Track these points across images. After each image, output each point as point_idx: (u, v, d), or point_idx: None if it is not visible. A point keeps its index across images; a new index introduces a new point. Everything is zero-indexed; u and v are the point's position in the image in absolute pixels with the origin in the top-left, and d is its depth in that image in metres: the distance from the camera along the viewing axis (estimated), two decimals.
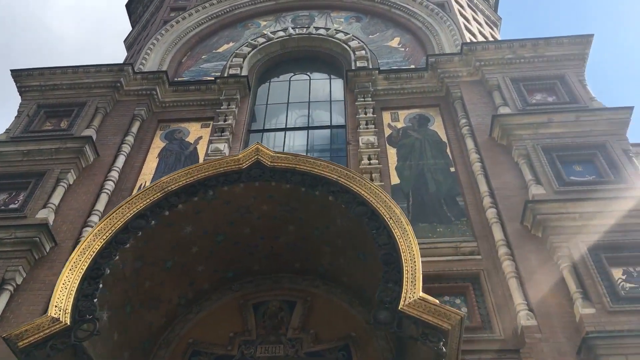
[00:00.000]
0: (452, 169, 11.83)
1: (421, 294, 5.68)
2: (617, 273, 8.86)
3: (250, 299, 8.39)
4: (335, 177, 7.23)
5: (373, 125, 12.64)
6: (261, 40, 16.21)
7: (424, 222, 10.80)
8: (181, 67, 16.04)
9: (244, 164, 7.66)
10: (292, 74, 15.83)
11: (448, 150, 12.34)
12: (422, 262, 9.71)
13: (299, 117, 14.30)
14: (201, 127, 13.51)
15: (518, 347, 8.27)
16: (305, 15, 17.89)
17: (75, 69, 14.16)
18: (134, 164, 12.43)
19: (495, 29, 19.44)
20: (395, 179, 11.81)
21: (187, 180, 7.45)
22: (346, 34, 16.16)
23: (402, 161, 12.25)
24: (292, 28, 16.62)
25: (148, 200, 7.18)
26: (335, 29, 16.78)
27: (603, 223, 9.35)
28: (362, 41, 15.95)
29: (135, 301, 7.28)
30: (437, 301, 5.85)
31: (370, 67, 14.40)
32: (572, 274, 8.78)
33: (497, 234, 9.94)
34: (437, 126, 13.09)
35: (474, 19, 18.40)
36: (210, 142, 12.72)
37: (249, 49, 15.83)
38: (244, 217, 7.94)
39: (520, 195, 10.30)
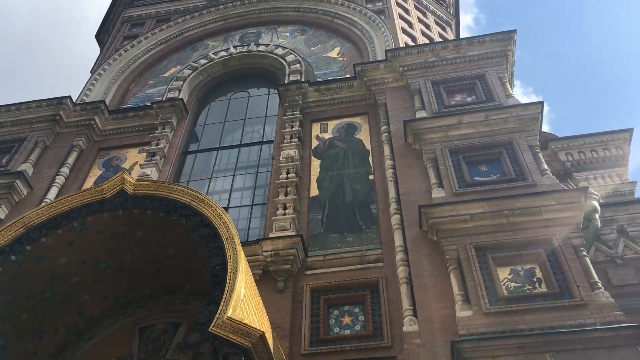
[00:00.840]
0: (371, 177, 11.94)
1: (230, 313, 5.84)
2: (504, 273, 8.87)
3: (139, 323, 8.66)
4: (188, 200, 7.47)
5: (297, 139, 12.82)
6: (203, 61, 16.54)
7: (335, 233, 10.94)
8: (128, 94, 16.49)
9: (107, 194, 7.97)
10: (233, 92, 16.13)
11: (370, 158, 12.44)
12: (327, 272, 10.01)
13: (235, 135, 14.56)
14: (138, 153, 13.89)
15: (398, 353, 8.36)
16: (253, 32, 18.21)
17: (18, 105, 14.72)
18: None
19: (448, 28, 19.41)
20: (314, 191, 11.97)
21: (51, 214, 7.79)
22: (284, 48, 16.40)
23: (324, 172, 12.41)
24: (233, 47, 16.93)
25: (9, 237, 7.54)
26: (278, 44, 17.02)
27: (494, 223, 9.38)
28: (299, 54, 16.15)
29: (12, 334, 7.61)
30: (244, 320, 5.98)
31: (303, 80, 14.59)
32: (457, 276, 8.83)
33: (398, 240, 10.03)
34: (363, 134, 13.20)
35: (421, 21, 18.44)
36: (140, 167, 13.08)
37: (190, 71, 16.18)
38: (121, 244, 8.22)
39: (424, 200, 10.35)
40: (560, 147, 26.52)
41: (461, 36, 23.42)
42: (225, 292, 6.06)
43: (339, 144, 13.09)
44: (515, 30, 13.57)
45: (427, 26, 18.43)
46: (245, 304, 6.22)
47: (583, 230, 12.47)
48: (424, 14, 19.09)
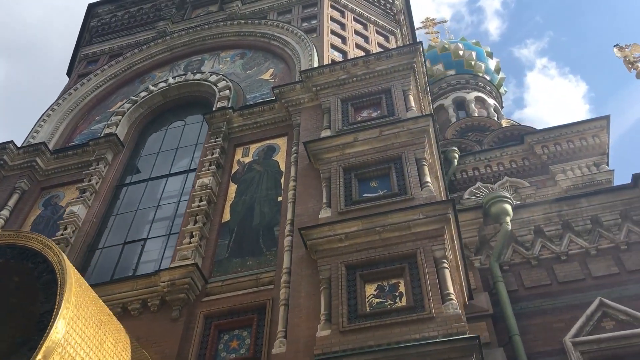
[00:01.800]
0: (280, 199, 12.35)
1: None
2: (370, 289, 9.19)
3: None
4: (40, 247, 8.03)
5: (214, 166, 13.31)
6: (143, 94, 17.18)
7: (238, 257, 11.40)
8: (76, 131, 17.25)
9: None
10: (172, 122, 16.73)
11: (282, 179, 12.85)
12: (223, 297, 10.44)
13: (167, 165, 15.13)
14: (76, 190, 14.58)
15: None
16: (198, 59, 18.80)
17: None
18: None
19: (391, 37, 19.63)
20: (227, 216, 12.45)
21: None
22: (218, 75, 16.92)
23: (239, 196, 12.88)
24: (172, 77, 17.54)
25: None
26: (215, 71, 17.54)
27: (367, 240, 9.69)
28: (232, 79, 16.64)
29: None
30: None
31: (230, 105, 15.07)
32: (326, 296, 9.18)
33: (286, 261, 10.43)
34: (280, 156, 13.62)
35: (359, 33, 18.73)
36: (69, 204, 13.77)
37: (130, 104, 16.84)
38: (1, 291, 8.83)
39: (314, 221, 10.70)
40: (536, 141, 26.62)
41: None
42: (43, 337, 6.56)
43: (256, 167, 13.55)
44: (420, 43, 13.84)
45: (366, 38, 18.72)
46: (70, 348, 6.70)
47: (496, 235, 12.74)
48: (365, 26, 19.38)
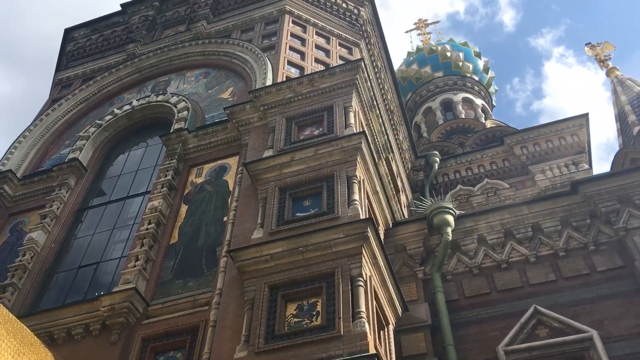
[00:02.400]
0: (225, 219, 12.70)
1: None
2: (291, 309, 9.49)
3: None
4: None
5: (166, 188, 13.69)
6: (108, 117, 17.65)
7: (181, 279, 11.76)
8: (46, 156, 17.78)
9: None
10: (136, 144, 17.17)
11: (229, 199, 13.19)
12: (162, 319, 10.83)
13: (127, 187, 15.56)
14: (38, 215, 15.07)
15: None
16: (165, 80, 19.21)
17: None
18: None
19: (355, 49, 19.86)
20: (175, 238, 12.82)
21: None
22: (179, 95, 17.30)
23: (188, 217, 13.25)
24: (137, 100, 17.98)
25: None
26: (178, 92, 17.90)
27: (291, 260, 9.99)
28: (192, 100, 17.01)
29: None
30: None
31: (185, 127, 15.45)
32: (249, 317, 9.50)
33: (219, 282, 10.77)
34: (230, 175, 13.96)
35: (320, 47, 18.96)
36: (30, 230, 14.27)
37: (95, 128, 17.31)
38: None
39: (248, 242, 11.03)
40: (515, 142, 26.76)
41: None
42: None
43: (207, 187, 13.92)
44: (361, 59, 14.10)
45: (327, 52, 18.98)
46: None
47: (439, 246, 12.92)
48: (327, 39, 19.64)
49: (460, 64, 37.04)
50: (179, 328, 10.53)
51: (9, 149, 17.80)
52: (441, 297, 11.96)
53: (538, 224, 12.70)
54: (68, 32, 23.49)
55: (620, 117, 21.12)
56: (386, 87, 23.36)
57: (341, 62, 18.81)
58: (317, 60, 18.25)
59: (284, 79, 16.17)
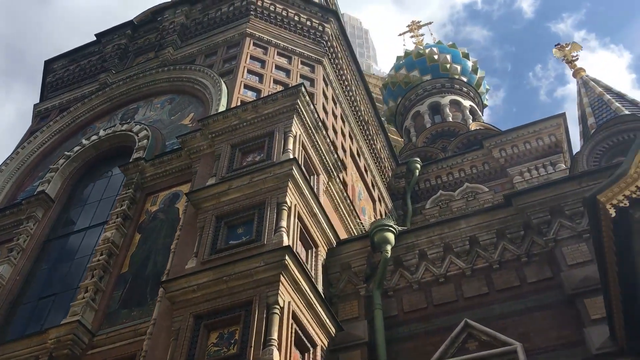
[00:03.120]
0: (172, 247, 13.19)
1: None
2: (213, 337, 9.94)
3: None
4: None
5: (120, 219, 14.25)
6: (77, 148, 18.32)
7: (126, 308, 12.29)
8: (20, 189, 18.53)
9: None
10: (102, 173, 17.80)
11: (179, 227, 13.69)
12: (105, 349, 11.36)
13: (89, 217, 16.18)
14: (5, 249, 15.77)
15: None
16: (134, 108, 19.84)
17: None
18: None
19: (318, 66, 20.20)
20: (125, 267, 13.38)
21: None
22: (142, 124, 17.88)
23: (140, 246, 13.80)
24: (103, 130, 18.64)
25: None
26: (141, 120, 18.49)
27: (216, 290, 10.44)
28: (155, 127, 17.59)
29: None
30: None
31: (144, 156, 16.01)
32: (172, 348, 9.97)
33: (155, 312, 11.27)
34: (181, 203, 14.42)
35: (281, 68, 19.34)
36: None
37: (63, 160, 17.99)
38: None
39: (182, 272, 11.51)
40: (494, 144, 26.93)
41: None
42: None
43: (160, 215, 14.44)
44: (302, 84, 14.51)
45: (288, 72, 19.36)
46: None
47: (379, 264, 13.22)
48: (289, 59, 20.02)
49: (448, 66, 37.15)
50: (119, 358, 11.05)
51: None
52: (379, 314, 12.28)
53: (475, 237, 12.95)
54: (48, 63, 24.33)
55: (582, 120, 21.15)
56: (358, 99, 23.76)
57: (302, 80, 19.25)
58: (275, 81, 18.69)
59: (239, 104, 16.65)
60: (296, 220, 11.94)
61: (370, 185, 22.79)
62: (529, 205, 12.52)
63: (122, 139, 18.09)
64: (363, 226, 17.82)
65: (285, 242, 10.88)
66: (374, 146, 24.92)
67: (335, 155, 15.66)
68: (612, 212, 7.91)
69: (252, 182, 12.43)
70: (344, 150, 20.20)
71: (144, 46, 22.66)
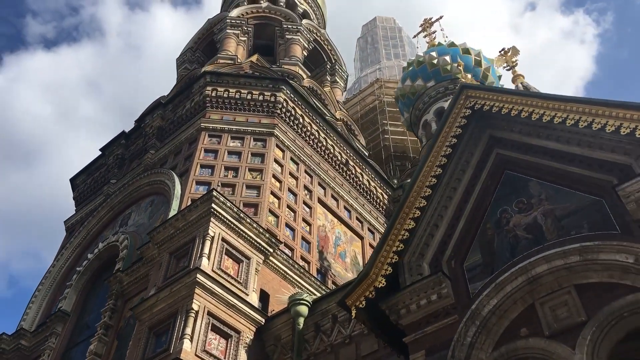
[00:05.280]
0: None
1: None
2: None
3: None
4: None
5: (103, 329, 17.53)
6: (85, 262, 22.00)
7: None
8: (53, 304, 22.55)
9: None
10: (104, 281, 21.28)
11: None
12: None
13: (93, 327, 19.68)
14: None
15: None
16: (128, 213, 23.18)
17: None
18: None
19: (269, 138, 22.45)
20: None
21: None
22: (124, 233, 21.15)
23: (115, 353, 16.96)
24: (101, 242, 22.16)
25: None
26: (136, 222, 21.87)
27: None
28: (138, 233, 20.81)
29: None
30: None
31: (121, 268, 19.23)
32: None
33: None
34: None
35: (233, 152, 21.72)
36: None
37: (76, 275, 21.69)
38: None
39: None
40: None
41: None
42: None
43: (131, 321, 17.52)
44: (213, 190, 16.97)
45: (239, 154, 21.11)
46: None
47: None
48: (242, 140, 22.03)
49: (449, 67, 37.47)
50: None
51: (27, 304, 22.82)
52: None
53: None
54: (72, 180, 28.57)
55: None
56: (329, 144, 25.71)
57: (253, 158, 21.73)
58: (226, 168, 21.26)
59: (189, 203, 19.41)
60: (204, 321, 14.37)
61: (354, 223, 24.64)
62: None
63: (113, 249, 21.46)
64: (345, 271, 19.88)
65: (187, 348, 13.39)
66: (359, 182, 26.73)
67: (267, 235, 17.86)
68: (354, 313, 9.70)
69: (171, 293, 15.10)
70: (309, 207, 22.28)
71: (135, 152, 26.12)
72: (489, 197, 10.72)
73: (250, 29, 33.89)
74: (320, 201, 23.23)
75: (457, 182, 11.27)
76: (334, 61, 37.01)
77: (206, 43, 35.08)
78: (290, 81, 25.90)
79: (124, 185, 24.09)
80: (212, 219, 16.64)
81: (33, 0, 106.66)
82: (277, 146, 22.75)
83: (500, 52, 23.92)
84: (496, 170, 10.88)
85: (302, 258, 20.11)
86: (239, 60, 29.67)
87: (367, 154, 31.12)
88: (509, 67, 23.12)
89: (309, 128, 24.98)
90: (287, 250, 19.40)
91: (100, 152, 27.67)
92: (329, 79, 36.09)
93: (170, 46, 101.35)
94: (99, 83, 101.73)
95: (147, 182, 23.04)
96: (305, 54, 34.12)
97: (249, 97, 24.24)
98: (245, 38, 33.33)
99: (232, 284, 15.62)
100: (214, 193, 16.86)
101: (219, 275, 15.44)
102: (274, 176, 21.52)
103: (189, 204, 19.22)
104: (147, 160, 24.16)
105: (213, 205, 16.75)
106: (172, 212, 18.99)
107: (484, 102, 11.62)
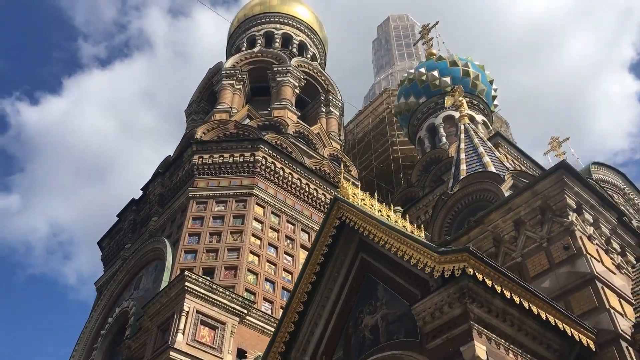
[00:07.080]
0: None
1: None
2: None
3: None
4: None
5: None
6: (107, 325, 25.60)
7: None
8: None
9: None
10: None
11: None
12: None
13: None
14: None
15: None
16: (139, 276, 26.60)
17: None
18: None
19: (248, 200, 25.31)
20: None
21: None
22: (133, 299, 24.54)
23: None
24: (118, 307, 25.69)
25: None
26: (144, 286, 25.27)
27: None
28: (145, 297, 24.15)
29: None
30: None
31: (128, 335, 22.62)
32: None
33: None
34: None
35: (217, 217, 24.91)
36: None
37: (101, 338, 25.32)
38: None
39: None
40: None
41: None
42: None
43: None
44: (184, 273, 19.95)
45: (222, 219, 24.58)
46: None
47: None
48: (225, 203, 25.15)
49: (437, 82, 38.90)
50: None
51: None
52: None
53: None
54: (99, 243, 32.41)
55: (456, 163, 22.32)
56: (312, 188, 28.26)
57: (235, 221, 24.64)
58: (211, 234, 24.26)
59: (178, 273, 22.53)
60: None
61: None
62: None
63: (126, 314, 24.95)
64: None
65: None
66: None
67: (241, 299, 20.71)
68: None
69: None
70: (291, 256, 24.98)
71: (144, 217, 29.55)
72: (354, 297, 12.73)
73: (244, 76, 36.57)
74: (303, 247, 25.81)
75: (333, 283, 13.34)
76: (327, 91, 39.04)
77: (209, 93, 38.04)
78: (271, 134, 28.59)
79: (136, 250, 27.52)
80: (186, 295, 19.65)
81: (83, 23, 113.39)
82: (258, 204, 25.54)
83: (448, 93, 25.53)
84: (360, 273, 12.85)
85: (282, 308, 22.85)
86: (234, 111, 32.53)
87: (358, 184, 33.34)
88: (455, 108, 24.79)
89: (289, 178, 27.61)
90: (266, 304, 22.23)
91: (117, 218, 31.32)
92: (323, 110, 38.19)
93: (214, 46, 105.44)
94: (153, 93, 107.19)
95: (151, 248, 26.34)
96: (298, 91, 36.31)
97: (230, 160, 27.08)
98: (241, 85, 36.02)
99: (207, 352, 18.59)
100: (186, 273, 19.87)
101: (193, 347, 18.46)
102: (254, 235, 24.31)
103: (177, 273, 22.42)
104: (151, 227, 27.47)
105: (186, 283, 19.76)
106: (164, 284, 22.16)
107: (348, 217, 12.99)
